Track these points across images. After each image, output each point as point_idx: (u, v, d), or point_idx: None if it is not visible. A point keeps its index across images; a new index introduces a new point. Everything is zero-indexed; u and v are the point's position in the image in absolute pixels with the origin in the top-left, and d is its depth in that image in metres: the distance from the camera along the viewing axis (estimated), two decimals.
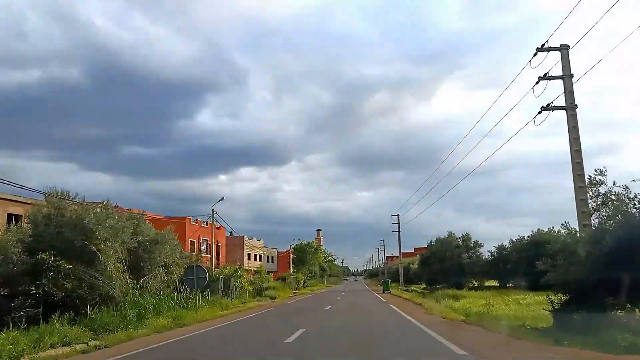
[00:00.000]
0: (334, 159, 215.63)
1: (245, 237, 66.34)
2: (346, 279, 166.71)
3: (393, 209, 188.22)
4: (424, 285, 75.40)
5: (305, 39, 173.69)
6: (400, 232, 72.35)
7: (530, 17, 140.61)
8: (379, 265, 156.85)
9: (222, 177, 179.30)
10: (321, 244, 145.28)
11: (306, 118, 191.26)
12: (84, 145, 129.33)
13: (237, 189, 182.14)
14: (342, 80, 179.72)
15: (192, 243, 53.62)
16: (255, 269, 62.19)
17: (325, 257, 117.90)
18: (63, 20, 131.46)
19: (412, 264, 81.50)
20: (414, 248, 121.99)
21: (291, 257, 69.54)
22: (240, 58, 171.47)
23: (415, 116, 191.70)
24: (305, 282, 73.91)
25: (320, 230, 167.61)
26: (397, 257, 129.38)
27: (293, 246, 75.60)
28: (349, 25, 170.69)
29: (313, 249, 74.63)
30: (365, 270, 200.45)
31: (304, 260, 74.22)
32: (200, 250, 54.53)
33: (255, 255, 69.22)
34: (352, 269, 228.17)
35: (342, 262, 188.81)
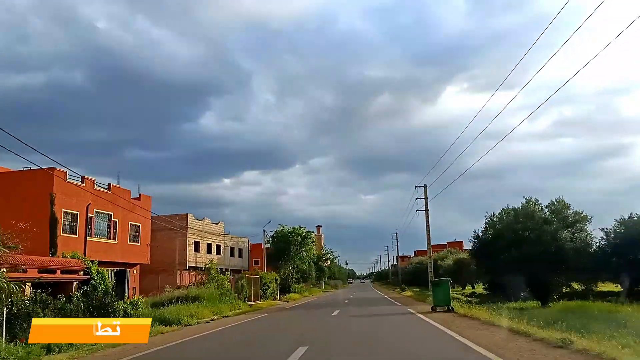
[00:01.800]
0: (338, 161, 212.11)
1: (192, 217, 42.79)
2: (351, 282, 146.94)
3: (397, 211, 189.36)
4: (469, 289, 52.04)
5: (308, 41, 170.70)
6: (428, 211, 48.28)
7: (536, 17, 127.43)
8: (389, 266, 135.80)
9: (227, 181, 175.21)
10: (322, 242, 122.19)
11: (310, 121, 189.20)
12: (87, 149, 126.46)
13: (241, 192, 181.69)
14: (346, 83, 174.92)
15: (73, 216, 29.90)
16: (205, 265, 38.67)
17: (323, 255, 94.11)
18: (65, 23, 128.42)
19: (442, 259, 57.33)
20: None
21: (264, 249, 46.01)
22: (244, 60, 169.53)
23: (420, 118, 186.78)
24: (289, 286, 50.34)
25: (321, 226, 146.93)
26: (409, 256, 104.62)
27: (272, 234, 52.03)
28: (353, 27, 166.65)
29: (300, 238, 51.09)
30: (372, 273, 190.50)
31: (287, 254, 50.65)
32: (89, 228, 30.90)
33: (210, 246, 45.59)
34: (357, 273, 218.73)
35: (346, 264, 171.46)
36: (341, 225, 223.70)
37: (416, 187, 48.41)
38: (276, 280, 38.82)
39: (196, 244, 42.97)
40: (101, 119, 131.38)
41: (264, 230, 46.40)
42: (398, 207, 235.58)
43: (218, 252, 46.91)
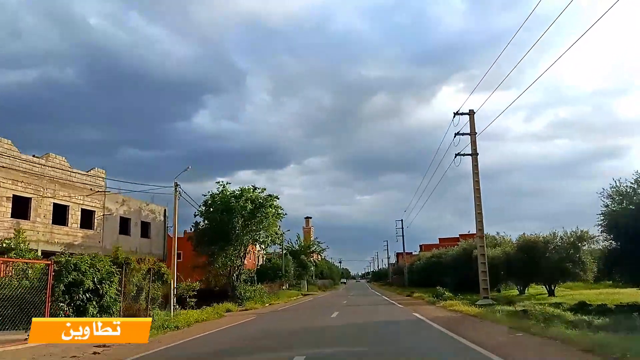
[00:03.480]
0: (334, 162, 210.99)
1: (8, 144, 20.85)
2: (344, 282, 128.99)
3: (395, 212, 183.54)
4: (536, 291, 31.60)
5: (305, 40, 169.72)
6: (477, 155, 26.75)
7: (534, 16, 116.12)
8: (387, 265, 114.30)
9: (221, 180, 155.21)
10: (311, 236, 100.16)
11: (306, 120, 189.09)
12: (80, 147, 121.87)
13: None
14: (343, 82, 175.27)
15: None
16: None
17: (308, 247, 72.19)
18: (58, 20, 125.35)
19: (498, 245, 35.10)
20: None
21: (176, 223, 23.99)
22: (239, 59, 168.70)
23: (417, 118, 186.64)
24: (233, 288, 28.74)
25: (310, 218, 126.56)
26: (411, 253, 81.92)
27: (205, 200, 30.23)
28: (350, 26, 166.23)
29: (251, 205, 29.09)
30: (368, 272, 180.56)
31: (229, 234, 28.79)
32: None
33: (65, 210, 23.38)
34: (352, 273, 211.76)
35: (340, 263, 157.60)
36: (337, 226, 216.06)
37: (455, 114, 27.73)
38: (152, 274, 16.86)
39: (20, 203, 20.95)
40: (94, 117, 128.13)
41: (177, 185, 24.42)
42: (396, 207, 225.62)
43: (89, 225, 24.95)
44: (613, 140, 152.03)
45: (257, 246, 55.67)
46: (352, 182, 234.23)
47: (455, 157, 27.67)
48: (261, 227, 30.81)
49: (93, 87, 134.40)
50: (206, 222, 30.26)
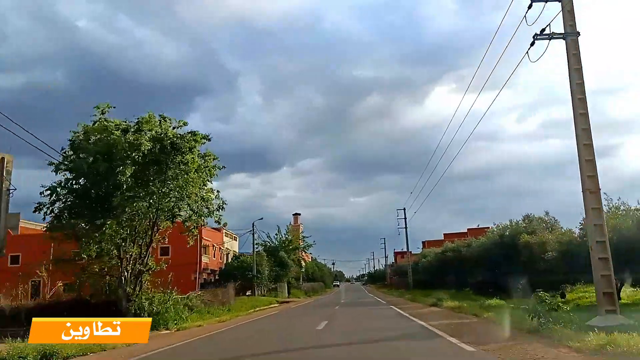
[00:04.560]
0: (328, 163, 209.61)
1: None
2: (337, 285, 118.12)
3: (389, 213, 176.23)
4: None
5: (297, 41, 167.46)
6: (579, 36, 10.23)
7: (528, 15, 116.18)
8: (385, 264, 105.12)
9: (214, 184, 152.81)
10: (300, 234, 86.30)
11: (298, 122, 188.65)
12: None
13: (228, 195, 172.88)
14: (336, 83, 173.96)
15: None
16: None
17: (290, 242, 58.19)
18: (46, 22, 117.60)
19: (518, 234, 21.35)
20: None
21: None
22: (231, 60, 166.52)
23: (411, 119, 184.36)
24: (135, 305, 15.28)
25: (299, 214, 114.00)
26: (410, 252, 67.11)
27: (71, 140, 16.80)
28: (342, 27, 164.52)
29: (155, 144, 15.78)
30: (363, 274, 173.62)
31: (107, 200, 15.44)
32: None
33: None
34: (347, 275, 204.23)
35: (333, 265, 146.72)
36: (331, 228, 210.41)
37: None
38: None
39: None
40: (85, 120, 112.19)
41: None
42: (391, 208, 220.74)
43: None
44: (605, 140, 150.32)
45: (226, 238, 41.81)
46: (346, 183, 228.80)
47: (533, 41, 14.62)
48: (174, 185, 17.15)
49: (80, 90, 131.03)
50: (73, 176, 16.60)
